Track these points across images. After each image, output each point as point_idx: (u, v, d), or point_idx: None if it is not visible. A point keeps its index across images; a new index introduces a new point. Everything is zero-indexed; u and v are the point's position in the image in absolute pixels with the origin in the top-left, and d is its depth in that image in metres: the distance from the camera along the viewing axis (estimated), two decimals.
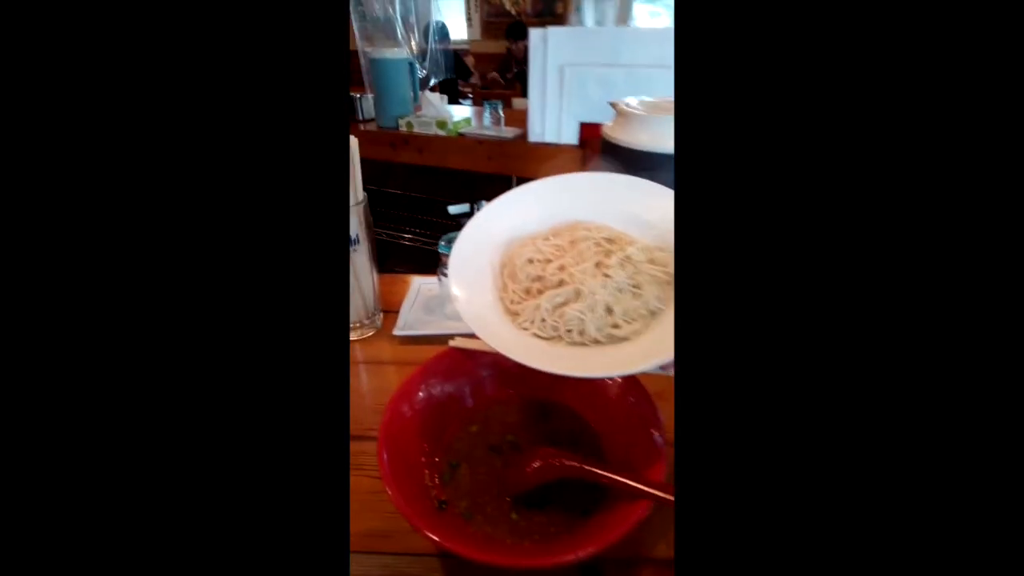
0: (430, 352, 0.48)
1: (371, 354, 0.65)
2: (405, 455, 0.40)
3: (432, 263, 0.76)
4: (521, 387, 0.49)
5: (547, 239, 0.44)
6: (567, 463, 0.38)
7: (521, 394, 0.50)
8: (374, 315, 0.68)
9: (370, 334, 0.67)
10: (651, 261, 0.41)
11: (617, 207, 0.44)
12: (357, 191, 0.61)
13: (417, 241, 1.85)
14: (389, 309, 0.71)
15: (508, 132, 1.65)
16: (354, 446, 0.50)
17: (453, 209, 1.83)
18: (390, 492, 0.35)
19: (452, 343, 0.50)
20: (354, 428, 0.52)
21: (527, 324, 0.39)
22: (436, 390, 0.46)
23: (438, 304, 0.72)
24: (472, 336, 0.39)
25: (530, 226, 0.45)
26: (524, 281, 0.41)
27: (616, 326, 0.38)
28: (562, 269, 0.41)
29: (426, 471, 0.42)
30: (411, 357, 0.63)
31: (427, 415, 0.45)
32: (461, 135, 1.67)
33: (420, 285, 0.76)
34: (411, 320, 0.68)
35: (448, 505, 0.40)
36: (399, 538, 0.41)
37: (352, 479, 0.46)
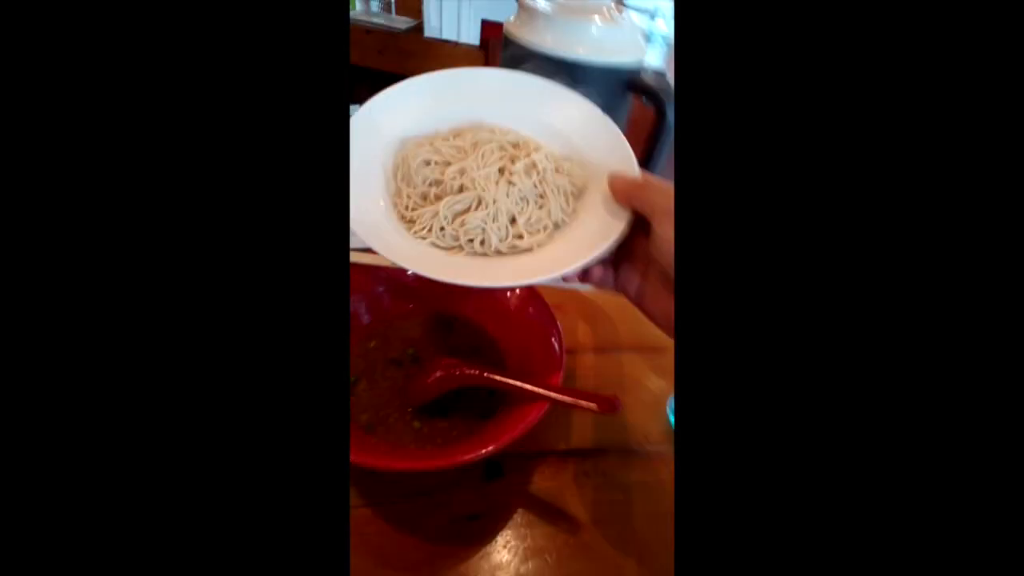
0: None
1: None
2: None
3: None
4: (419, 301, 0.49)
5: (446, 139, 0.40)
6: (467, 371, 0.40)
7: (420, 308, 0.50)
8: None
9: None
10: (558, 170, 0.39)
11: (525, 110, 0.41)
12: None
13: None
14: None
15: (400, 22, 1.50)
16: None
17: None
18: None
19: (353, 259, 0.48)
20: None
21: (424, 233, 0.37)
22: None
23: None
24: (365, 251, 0.37)
25: (427, 124, 0.41)
26: (420, 185, 0.38)
27: (519, 236, 0.37)
28: (463, 173, 0.38)
29: None
30: None
31: None
32: None
33: None
34: None
35: (348, 420, 0.40)
36: None
37: None
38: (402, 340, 0.47)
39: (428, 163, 0.39)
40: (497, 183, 0.38)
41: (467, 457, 0.34)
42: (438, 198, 0.38)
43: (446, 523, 0.38)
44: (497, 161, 0.39)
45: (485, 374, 0.40)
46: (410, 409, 0.41)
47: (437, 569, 0.36)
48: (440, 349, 0.47)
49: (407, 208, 0.38)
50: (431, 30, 1.42)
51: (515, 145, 0.40)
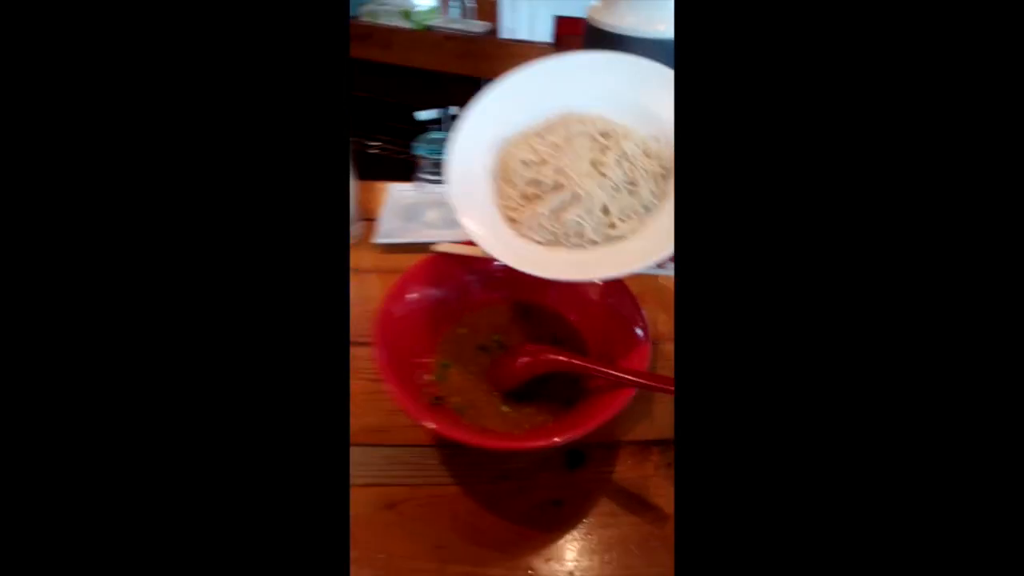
0: (411, 260, 0.49)
1: (353, 262, 0.65)
2: (399, 355, 0.42)
3: (400, 172, 0.74)
4: (506, 291, 0.51)
5: (541, 136, 0.43)
6: (553, 357, 0.41)
7: (506, 297, 0.51)
8: (354, 223, 0.67)
9: (354, 243, 0.67)
10: (647, 154, 0.41)
11: (615, 92, 0.43)
12: None
13: (386, 150, 1.78)
14: (368, 217, 0.70)
15: (477, 26, 1.54)
16: None
17: (421, 115, 1.75)
18: (391, 387, 0.37)
19: (436, 247, 0.50)
20: None
21: (528, 232, 0.40)
22: (423, 294, 0.48)
23: (416, 211, 0.71)
24: (462, 243, 0.39)
25: (522, 120, 0.44)
26: (520, 185, 0.41)
27: (612, 226, 0.40)
28: (558, 171, 0.41)
29: (419, 371, 0.44)
30: (393, 265, 0.64)
31: (416, 318, 0.46)
32: (428, 28, 1.55)
33: (396, 192, 0.75)
34: (391, 228, 0.68)
35: (443, 400, 0.43)
36: (397, 432, 0.44)
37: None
38: (489, 327, 0.49)
39: (526, 163, 0.42)
40: (591, 176, 0.40)
41: (552, 441, 0.35)
42: (537, 197, 0.41)
43: (530, 507, 0.39)
44: (589, 153, 0.41)
45: (571, 360, 0.40)
46: (498, 394, 0.43)
47: (523, 550, 0.37)
48: (524, 336, 0.48)
49: (510, 208, 0.41)
50: (505, 32, 1.45)
51: (605, 134, 0.42)
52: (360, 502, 0.39)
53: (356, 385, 0.48)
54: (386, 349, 0.40)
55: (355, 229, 0.67)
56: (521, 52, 1.46)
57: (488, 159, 0.43)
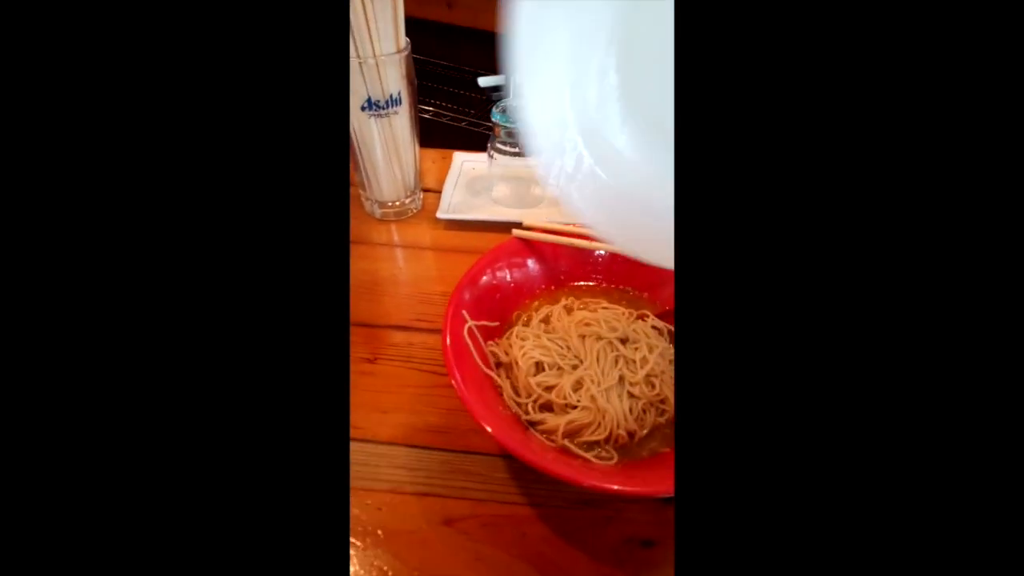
0: (475, 240, 0.45)
1: (409, 238, 0.61)
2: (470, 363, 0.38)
3: (462, 142, 0.70)
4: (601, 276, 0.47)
5: (550, 329, 0.41)
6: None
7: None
8: (415, 193, 0.63)
9: (410, 215, 0.63)
10: (672, 362, 0.39)
11: None
12: (400, 36, 0.54)
13: (442, 116, 1.75)
14: (429, 188, 0.67)
15: None
16: (400, 336, 0.48)
17: (484, 81, 1.70)
18: (455, 379, 0.34)
19: (516, 232, 0.46)
20: (396, 318, 0.50)
21: (550, 437, 0.37)
22: (499, 278, 0.44)
23: (484, 186, 0.67)
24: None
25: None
26: (536, 390, 0.38)
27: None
28: (580, 385, 0.38)
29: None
30: (454, 243, 0.60)
31: (491, 304, 0.42)
32: None
33: (463, 163, 0.71)
34: (456, 202, 0.64)
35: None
36: (459, 435, 0.40)
37: (403, 372, 0.45)
38: None
39: (540, 365, 0.39)
40: (620, 397, 0.37)
41: (655, 489, 0.31)
42: (557, 408, 0.38)
43: (617, 543, 0.35)
44: (613, 368, 0.38)
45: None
46: None
47: None
48: None
49: (527, 413, 0.38)
50: None
51: (624, 340, 0.40)
52: (412, 514, 0.36)
53: (413, 377, 0.44)
54: (455, 337, 0.37)
55: (414, 201, 0.64)
56: None
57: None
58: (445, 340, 0.36)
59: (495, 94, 1.66)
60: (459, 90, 1.71)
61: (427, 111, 1.76)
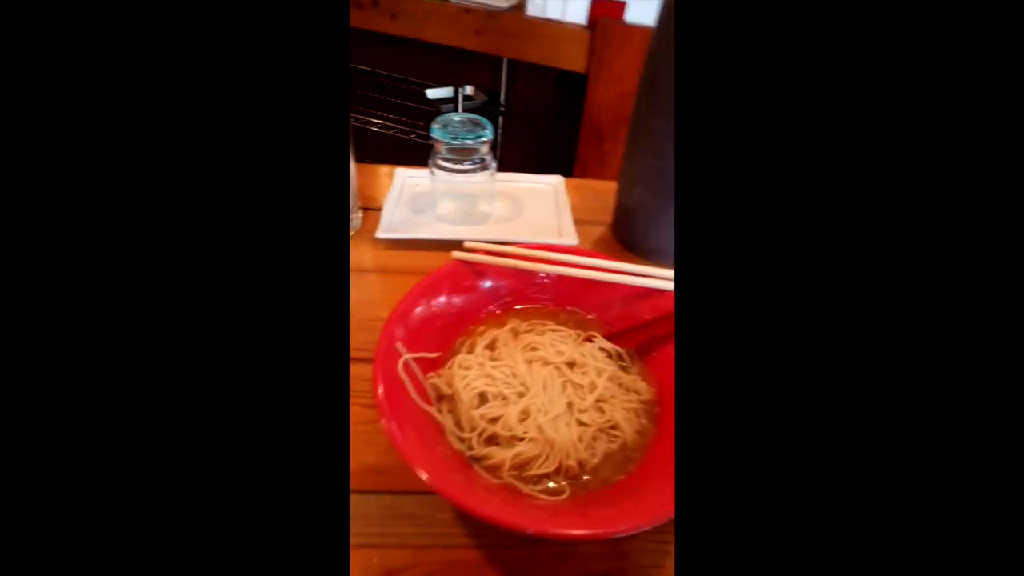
0: (421, 259, 0.43)
1: (351, 260, 0.58)
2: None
3: (407, 156, 0.68)
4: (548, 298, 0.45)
5: (497, 361, 0.39)
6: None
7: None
8: (353, 213, 0.60)
9: (349, 235, 0.61)
10: (622, 385, 0.38)
11: None
12: None
13: (390, 129, 1.71)
14: (369, 206, 0.64)
15: (501, 0, 1.48)
16: None
17: (433, 93, 1.68)
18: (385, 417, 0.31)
19: (456, 254, 0.44)
20: None
21: (495, 472, 0.34)
22: (438, 305, 0.41)
23: (428, 202, 0.65)
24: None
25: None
26: (480, 423, 0.35)
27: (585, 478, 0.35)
28: (527, 415, 0.35)
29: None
30: (398, 264, 0.57)
31: (429, 334, 0.40)
32: None
33: (405, 179, 0.69)
34: (397, 221, 0.61)
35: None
36: (399, 474, 0.37)
37: None
38: None
39: (484, 396, 0.37)
40: (568, 425, 0.35)
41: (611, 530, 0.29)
42: (503, 440, 0.35)
43: None
44: (561, 395, 0.37)
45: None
46: None
47: None
48: None
49: (470, 448, 0.35)
50: (534, 8, 1.39)
51: (571, 364, 0.39)
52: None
53: (351, 413, 0.41)
54: (388, 373, 0.34)
55: (354, 219, 0.61)
56: (549, 31, 1.39)
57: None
58: (376, 379, 0.33)
59: (445, 106, 1.63)
60: (407, 102, 1.68)
61: (375, 124, 1.72)
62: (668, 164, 0.51)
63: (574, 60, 1.39)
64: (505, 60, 1.56)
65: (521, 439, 0.34)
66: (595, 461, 0.35)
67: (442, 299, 0.41)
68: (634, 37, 1.27)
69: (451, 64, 1.61)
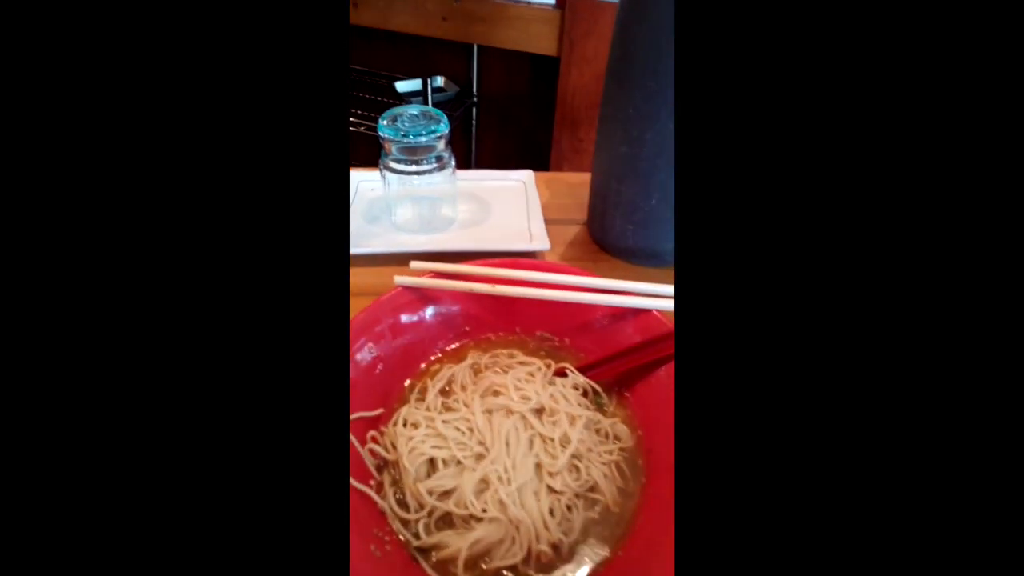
0: (376, 276, 0.36)
1: None
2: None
3: (372, 156, 0.60)
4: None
5: (451, 412, 0.32)
6: None
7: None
8: None
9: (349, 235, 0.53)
10: (599, 431, 0.32)
11: None
12: None
13: (359, 126, 1.62)
14: None
15: None
16: None
17: (402, 86, 1.60)
18: None
19: (399, 280, 0.37)
20: None
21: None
22: (379, 347, 0.34)
23: (384, 210, 0.57)
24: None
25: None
26: (431, 501, 0.28)
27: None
28: (485, 486, 0.28)
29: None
30: (352, 282, 0.50)
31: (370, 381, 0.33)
32: None
33: (359, 183, 0.61)
34: (351, 233, 0.54)
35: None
36: None
37: None
38: None
39: (433, 463, 0.29)
40: (536, 493, 0.28)
41: None
42: (458, 521, 0.28)
43: None
44: (529, 453, 0.29)
45: None
46: None
47: None
48: None
49: (417, 537, 0.28)
50: None
51: (538, 411, 0.32)
52: None
53: None
54: None
55: None
56: (519, 14, 1.31)
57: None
58: None
59: (415, 99, 1.54)
60: (377, 96, 1.59)
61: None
62: (642, 151, 0.44)
63: (545, 43, 1.32)
64: (475, 47, 1.48)
65: (480, 519, 0.27)
66: (573, 538, 0.28)
67: (381, 341, 0.34)
68: (605, 14, 1.19)
69: (419, 54, 1.53)
